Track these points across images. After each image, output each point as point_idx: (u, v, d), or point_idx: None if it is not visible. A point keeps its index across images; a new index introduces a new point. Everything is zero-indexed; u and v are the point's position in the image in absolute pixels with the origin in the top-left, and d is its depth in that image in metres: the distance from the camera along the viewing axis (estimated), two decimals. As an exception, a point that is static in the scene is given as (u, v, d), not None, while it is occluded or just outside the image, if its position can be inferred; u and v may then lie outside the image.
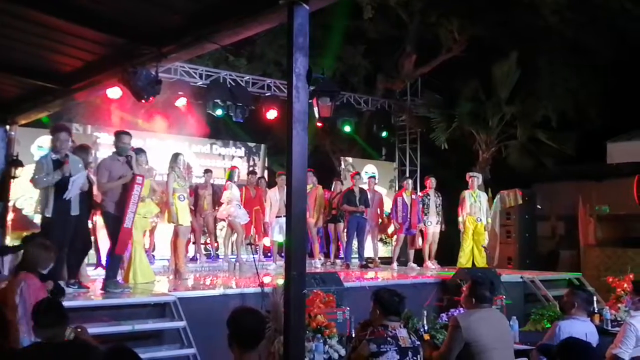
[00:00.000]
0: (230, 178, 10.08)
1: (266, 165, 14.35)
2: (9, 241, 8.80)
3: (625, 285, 7.35)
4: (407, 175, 13.96)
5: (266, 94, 12.45)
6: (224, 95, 11.40)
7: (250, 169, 13.23)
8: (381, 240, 12.62)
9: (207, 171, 10.62)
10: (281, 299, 4.62)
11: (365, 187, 11.37)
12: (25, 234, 7.08)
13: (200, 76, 11.62)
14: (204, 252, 10.90)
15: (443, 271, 10.08)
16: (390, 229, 11.61)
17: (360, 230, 10.75)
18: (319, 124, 11.70)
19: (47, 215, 6.21)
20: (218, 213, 10.16)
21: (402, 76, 14.77)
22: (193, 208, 9.53)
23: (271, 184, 11.40)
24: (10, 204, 9.06)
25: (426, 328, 5.97)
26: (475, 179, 10.94)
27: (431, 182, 11.19)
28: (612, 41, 13.04)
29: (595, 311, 6.62)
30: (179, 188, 8.01)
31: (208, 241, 11.15)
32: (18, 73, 6.64)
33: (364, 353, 3.81)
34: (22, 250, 6.21)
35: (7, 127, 8.48)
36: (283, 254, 7.99)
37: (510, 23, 13.29)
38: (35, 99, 7.34)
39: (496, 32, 13.36)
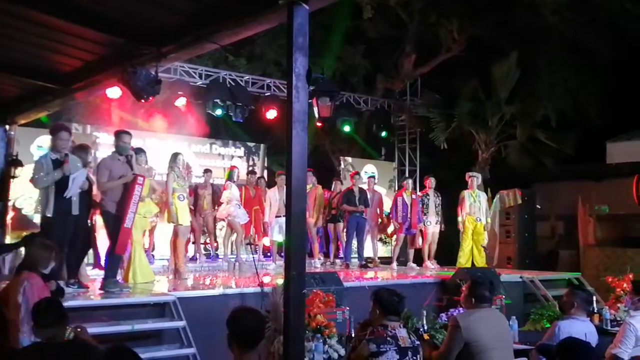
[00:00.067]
0: (229, 178, 10.08)
1: (266, 165, 14.35)
2: (9, 241, 8.80)
3: (625, 285, 7.35)
4: (407, 175, 13.97)
5: (266, 94, 12.45)
6: (224, 95, 11.40)
7: (250, 168, 13.23)
8: (381, 240, 12.62)
9: (207, 171, 10.62)
10: (281, 299, 4.62)
11: (365, 187, 11.37)
12: (24, 233, 7.08)
13: (200, 76, 11.62)
14: (203, 252, 10.90)
15: (442, 271, 10.08)
16: (390, 229, 11.61)
17: (360, 230, 10.75)
18: (318, 124, 11.70)
19: (48, 215, 6.21)
20: (218, 213, 10.16)
21: (401, 76, 14.78)
22: (193, 208, 9.52)
23: (271, 183, 11.40)
24: (10, 203, 9.05)
25: (426, 328, 5.97)
26: (475, 178, 10.94)
27: (431, 182, 11.19)
28: (612, 41, 13.05)
29: (595, 311, 6.62)
30: (179, 188, 8.01)
31: (208, 241, 11.14)
32: (18, 73, 6.64)
33: (364, 353, 3.81)
34: (21, 249, 6.25)
35: (7, 126, 8.48)
36: (283, 254, 8.00)
37: (510, 23, 13.30)
38: (35, 98, 7.34)
39: (496, 32, 13.37)
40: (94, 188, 6.96)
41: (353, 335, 4.87)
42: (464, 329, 4.26)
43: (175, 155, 8.22)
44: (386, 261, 11.81)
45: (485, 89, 13.27)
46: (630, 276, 7.57)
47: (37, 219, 7.07)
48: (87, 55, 6.00)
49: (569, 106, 13.60)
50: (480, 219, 10.68)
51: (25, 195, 9.75)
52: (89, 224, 7.13)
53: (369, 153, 15.12)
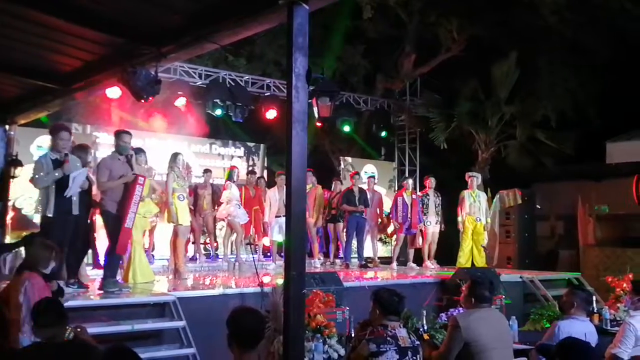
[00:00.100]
0: (229, 178, 10.09)
1: (265, 165, 14.35)
2: (9, 241, 8.80)
3: (625, 285, 7.36)
4: (407, 175, 13.97)
5: (266, 94, 12.45)
6: (224, 95, 11.40)
7: (250, 168, 13.23)
8: (381, 240, 12.63)
9: (207, 171, 10.61)
10: (281, 299, 4.62)
11: (365, 186, 11.37)
12: (24, 233, 7.08)
13: (200, 76, 11.63)
14: (203, 251, 10.90)
15: (442, 271, 10.08)
16: (390, 229, 11.61)
17: (360, 230, 10.75)
18: (318, 124, 11.71)
19: (49, 215, 6.21)
20: (217, 213, 10.16)
21: (401, 76, 14.78)
22: (192, 208, 9.52)
23: (270, 183, 11.40)
24: (10, 203, 9.05)
25: (425, 328, 5.97)
26: (475, 178, 10.94)
27: (430, 182, 11.19)
28: (612, 41, 13.05)
29: (595, 311, 6.62)
30: (179, 188, 8.01)
31: (207, 241, 11.14)
32: (18, 73, 6.64)
33: (364, 353, 3.81)
34: (21, 249, 6.25)
35: (7, 126, 8.48)
36: (282, 254, 7.99)
37: (510, 23, 13.30)
38: (35, 98, 7.34)
39: (495, 32, 13.37)
40: (94, 188, 6.96)
41: (353, 335, 4.87)
42: (464, 328, 4.26)
43: (175, 155, 8.21)
44: (386, 261, 11.81)
45: (485, 89, 13.28)
46: (630, 276, 7.58)
47: (37, 219, 7.06)
48: (87, 55, 6.00)
49: (568, 106, 13.61)
50: (480, 219, 10.68)
51: (25, 195, 9.75)
52: (89, 224, 7.13)
53: (369, 153, 15.12)
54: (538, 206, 13.14)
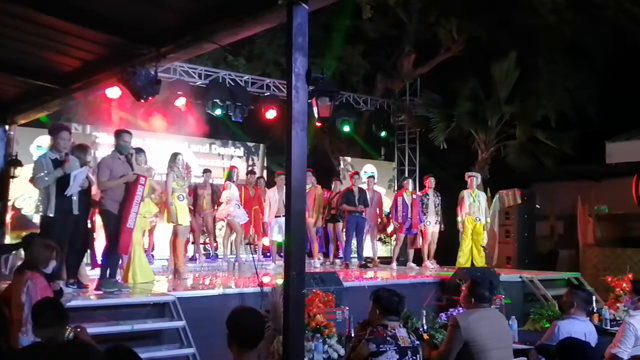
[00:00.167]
0: (229, 178, 10.09)
1: (265, 165, 14.36)
2: (9, 241, 8.80)
3: (624, 284, 7.36)
4: (406, 175, 13.97)
5: (265, 94, 12.46)
6: (223, 95, 11.41)
7: (250, 168, 13.23)
8: (380, 239, 12.63)
9: (206, 171, 10.61)
10: (280, 299, 4.63)
11: (365, 186, 11.37)
12: (24, 233, 7.08)
13: (200, 76, 11.63)
14: (203, 251, 10.90)
15: (442, 271, 10.08)
16: (390, 229, 11.62)
17: (360, 230, 10.75)
18: (318, 124, 11.69)
19: (50, 215, 6.21)
20: (217, 213, 10.16)
21: (401, 76, 14.79)
22: (192, 208, 9.52)
23: (270, 183, 11.41)
24: (10, 203, 9.05)
25: (425, 328, 5.97)
26: (474, 178, 10.94)
27: (430, 181, 11.19)
28: (611, 41, 13.05)
29: (594, 311, 6.62)
30: (178, 188, 8.01)
31: (207, 241, 11.14)
32: (17, 73, 6.64)
33: (364, 352, 3.80)
34: (21, 249, 6.25)
35: (6, 126, 8.48)
36: (282, 254, 7.99)
37: (509, 23, 13.30)
38: (35, 98, 7.34)
39: (495, 32, 13.37)
40: (93, 188, 6.96)
41: (353, 335, 4.87)
42: (464, 328, 4.26)
43: (174, 155, 8.21)
44: (386, 261, 11.82)
45: (484, 88, 13.28)
46: (630, 276, 7.59)
47: (37, 219, 7.06)
48: (87, 55, 6.00)
49: (568, 106, 13.61)
50: (479, 219, 10.68)
51: (24, 195, 9.75)
52: (89, 224, 7.13)
53: (369, 153, 15.12)
54: (538, 206, 13.14)
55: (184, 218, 8.07)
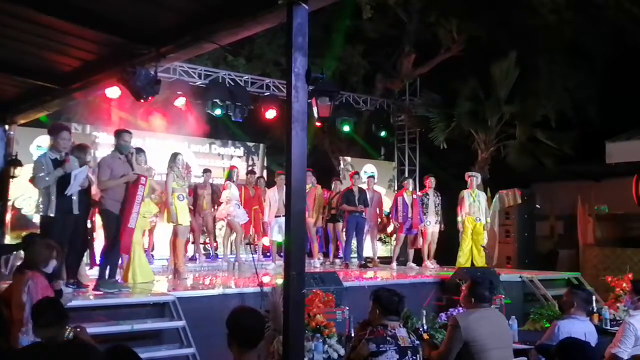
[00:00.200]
0: (229, 178, 10.09)
1: (265, 164, 14.36)
2: (9, 241, 8.80)
3: (624, 284, 7.36)
4: (406, 175, 13.97)
5: (265, 94, 12.46)
6: (223, 95, 11.41)
7: (249, 168, 13.23)
8: (380, 239, 12.63)
9: (206, 171, 10.60)
10: (280, 299, 4.63)
11: (365, 186, 11.37)
12: (24, 233, 7.08)
13: (200, 76, 11.63)
14: (203, 251, 10.90)
15: (442, 271, 10.08)
16: (390, 229, 11.61)
17: (359, 230, 10.75)
18: (318, 124, 11.69)
19: (51, 215, 6.21)
20: (217, 213, 10.16)
21: (401, 76, 14.79)
22: (192, 208, 9.52)
23: (270, 183, 11.41)
24: (9, 203, 9.05)
25: (425, 327, 5.97)
26: (474, 178, 10.94)
27: (430, 181, 11.19)
28: (611, 41, 13.05)
29: (594, 311, 6.62)
30: (178, 188, 8.01)
31: (207, 241, 11.14)
32: (17, 73, 6.64)
33: (364, 352, 3.80)
34: (21, 250, 6.25)
35: (6, 126, 8.48)
36: (282, 254, 7.99)
37: (509, 23, 13.30)
38: (35, 98, 7.34)
39: (495, 32, 13.37)
40: (93, 188, 6.96)
41: (353, 334, 4.87)
42: (464, 328, 4.26)
43: (174, 155, 8.21)
44: (386, 261, 11.82)
45: (484, 88, 13.28)
46: (630, 275, 7.59)
47: (37, 219, 7.06)
48: (87, 55, 6.00)
49: (568, 106, 13.61)
50: (479, 219, 10.68)
51: (24, 195, 9.75)
52: (89, 224, 7.13)
53: (369, 153, 15.12)
54: (538, 206, 13.14)
55: (184, 218, 8.07)
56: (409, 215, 10.81)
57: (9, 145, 8.59)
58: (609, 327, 6.46)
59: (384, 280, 8.68)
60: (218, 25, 4.63)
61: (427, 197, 11.11)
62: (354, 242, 10.94)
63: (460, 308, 5.76)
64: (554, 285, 9.50)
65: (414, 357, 3.90)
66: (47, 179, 6.18)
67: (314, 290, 6.19)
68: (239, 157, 13.80)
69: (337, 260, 11.28)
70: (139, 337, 5.84)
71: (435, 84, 14.21)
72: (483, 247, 10.62)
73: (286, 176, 3.90)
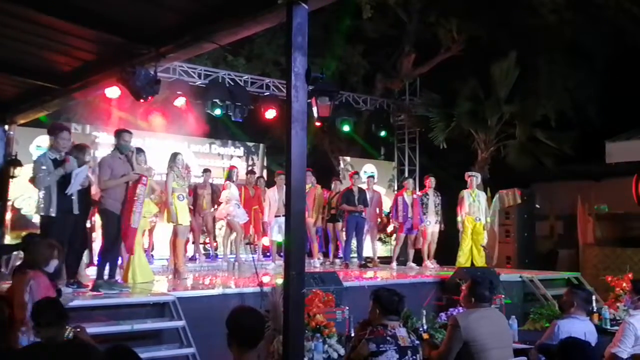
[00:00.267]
0: (229, 177, 10.09)
1: (265, 164, 14.36)
2: (9, 241, 8.80)
3: (624, 284, 7.35)
4: (406, 174, 13.97)
5: (265, 94, 12.46)
6: (223, 95, 11.41)
7: (249, 168, 13.24)
8: (380, 239, 12.62)
9: (206, 171, 10.61)
10: (280, 299, 4.63)
11: (364, 186, 11.36)
12: (24, 233, 7.08)
13: (199, 76, 11.63)
14: (203, 251, 10.90)
15: (442, 271, 10.07)
16: (390, 229, 11.60)
17: (359, 230, 10.74)
18: (317, 124, 11.69)
19: (52, 215, 6.21)
20: (217, 212, 10.15)
21: (400, 76, 14.79)
22: (192, 207, 9.52)
23: (270, 183, 11.41)
24: (9, 203, 9.05)
25: (425, 327, 5.97)
26: (474, 178, 10.94)
27: (430, 181, 11.19)
28: (611, 41, 13.05)
29: (594, 310, 6.62)
30: (178, 187, 8.01)
31: (207, 241, 11.14)
32: (17, 73, 6.64)
33: (364, 352, 3.80)
34: (21, 249, 6.26)
35: (6, 126, 8.48)
36: (282, 254, 7.98)
37: (509, 23, 13.30)
38: (34, 98, 7.34)
39: (495, 32, 13.37)
40: (93, 187, 6.96)
41: (353, 334, 4.87)
42: (464, 328, 4.27)
43: (174, 155, 8.20)
44: (385, 261, 11.81)
45: (484, 88, 13.28)
46: (630, 275, 7.58)
47: (36, 219, 7.06)
48: (87, 55, 6.00)
49: (568, 106, 13.62)
50: (479, 219, 10.68)
51: (24, 195, 9.75)
52: (88, 224, 7.13)
53: (368, 153, 15.12)
54: (537, 206, 13.13)
55: (184, 218, 8.07)
56: (409, 215, 10.81)
57: (9, 145, 8.59)
58: (608, 327, 6.46)
59: (384, 280, 8.67)
60: (218, 25, 4.63)
61: (427, 197, 11.11)
62: (353, 242, 10.94)
63: (460, 308, 5.75)
64: (554, 285, 9.50)
65: (414, 357, 3.90)
66: (47, 179, 6.18)
67: (314, 290, 6.19)
68: (239, 157, 13.80)
69: (337, 260, 11.28)
70: (139, 337, 5.84)
71: (435, 84, 14.20)
72: (483, 247, 10.62)
73: (286, 176, 3.90)
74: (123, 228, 6.73)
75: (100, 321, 5.78)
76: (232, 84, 11.84)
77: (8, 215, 8.95)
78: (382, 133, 14.31)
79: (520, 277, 9.43)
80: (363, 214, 10.67)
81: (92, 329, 4.82)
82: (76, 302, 5.77)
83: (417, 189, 11.89)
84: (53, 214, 6.21)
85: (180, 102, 11.59)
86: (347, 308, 6.30)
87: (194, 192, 9.89)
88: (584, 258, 13.09)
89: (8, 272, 7.27)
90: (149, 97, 5.89)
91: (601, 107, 13.68)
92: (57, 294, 4.78)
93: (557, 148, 13.11)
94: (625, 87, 12.77)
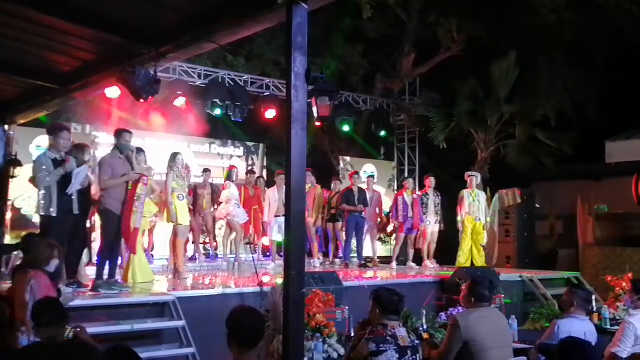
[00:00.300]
0: (229, 177, 10.09)
1: (265, 164, 14.36)
2: (9, 241, 8.80)
3: (624, 284, 7.35)
4: (406, 174, 13.96)
5: (265, 94, 12.46)
6: (223, 95, 11.41)
7: (249, 168, 13.24)
8: (380, 239, 12.63)
9: (206, 171, 10.61)
10: (280, 299, 4.62)
11: (364, 186, 11.36)
12: (24, 233, 7.08)
13: (199, 76, 11.63)
14: (203, 251, 10.90)
15: (442, 270, 10.07)
16: (390, 228, 11.60)
17: (359, 230, 10.74)
18: (317, 124, 11.68)
19: (52, 215, 6.21)
20: (217, 212, 10.15)
21: (400, 75, 14.79)
22: (192, 207, 9.52)
23: (270, 183, 11.41)
24: (9, 203, 9.05)
25: (425, 327, 5.97)
26: (474, 178, 10.94)
27: (430, 181, 11.19)
28: (611, 41, 13.06)
29: (594, 310, 6.62)
30: (178, 187, 8.01)
31: (207, 241, 11.14)
32: (17, 73, 6.64)
33: (364, 352, 3.80)
34: (21, 249, 6.26)
35: (6, 126, 8.48)
36: (282, 254, 7.98)
37: (509, 23, 13.30)
38: (34, 98, 7.34)
39: (495, 32, 13.37)
40: (93, 187, 6.96)
41: (353, 334, 4.87)
42: (464, 328, 4.27)
43: (174, 155, 8.20)
44: (385, 261, 11.82)
45: (484, 88, 13.28)
46: (630, 275, 7.58)
47: (36, 219, 7.05)
48: (86, 55, 6.00)
49: (568, 105, 13.62)
50: (479, 219, 10.68)
51: (24, 195, 9.75)
52: (88, 223, 7.13)
53: (368, 153, 15.13)
54: (537, 205, 13.14)
55: (184, 218, 8.07)
56: (410, 215, 10.81)
57: (9, 145, 8.59)
58: (608, 327, 6.46)
59: (384, 280, 8.67)
60: (218, 25, 4.63)
61: (427, 196, 11.11)
62: (353, 242, 10.94)
63: (460, 308, 5.76)
64: (554, 285, 9.49)
65: (414, 357, 3.90)
66: (48, 179, 6.18)
67: (314, 290, 6.19)
68: (239, 157, 13.80)
69: (337, 260, 11.28)
70: (139, 337, 5.84)
71: (435, 84, 14.20)
72: (483, 246, 10.62)
73: (286, 176, 3.90)
74: (124, 228, 6.73)
75: (100, 321, 5.78)
76: (232, 84, 11.84)
77: (8, 215, 8.94)
78: (382, 133, 14.31)
79: (520, 277, 9.42)
80: (363, 213, 10.67)
81: (92, 329, 4.82)
82: (76, 302, 5.77)
83: (417, 188, 11.89)
84: (53, 214, 6.21)
85: (180, 102, 11.58)
86: (347, 308, 6.30)
87: (194, 192, 9.89)
88: (584, 258, 13.10)
89: (8, 272, 7.27)
90: (149, 97, 5.89)
91: (601, 107, 13.68)
92: (57, 294, 4.78)
93: (557, 148, 13.11)
94: (625, 87, 12.77)
